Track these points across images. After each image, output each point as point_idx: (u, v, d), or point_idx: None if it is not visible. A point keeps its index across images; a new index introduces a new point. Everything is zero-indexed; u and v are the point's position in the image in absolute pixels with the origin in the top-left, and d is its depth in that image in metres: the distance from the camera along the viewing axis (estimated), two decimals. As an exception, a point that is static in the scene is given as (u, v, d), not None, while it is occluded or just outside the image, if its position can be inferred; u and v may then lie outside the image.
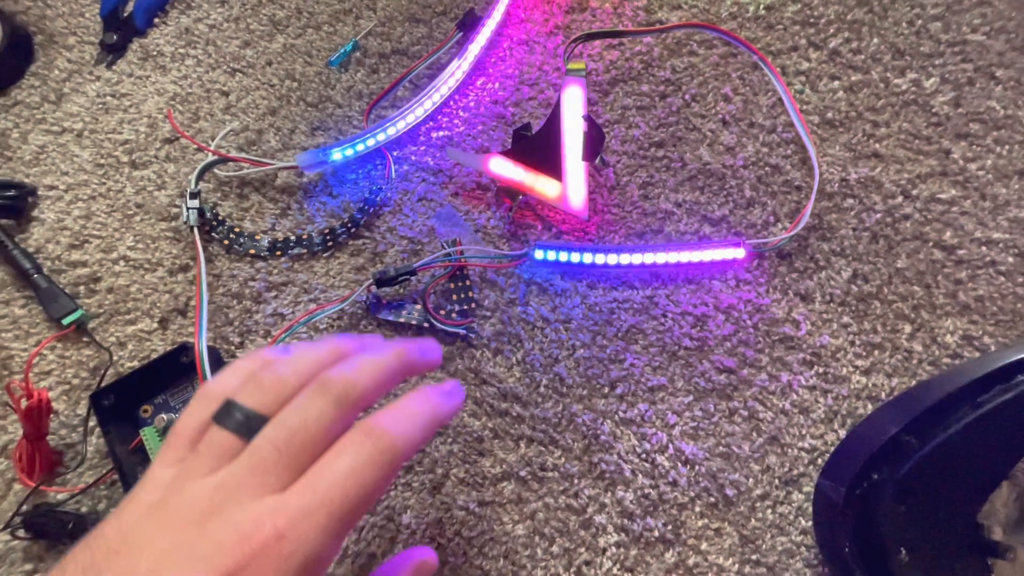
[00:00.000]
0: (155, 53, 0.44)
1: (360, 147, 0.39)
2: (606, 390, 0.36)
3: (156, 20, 0.44)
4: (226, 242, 0.38)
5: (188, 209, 0.36)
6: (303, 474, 0.18)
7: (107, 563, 0.17)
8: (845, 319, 0.37)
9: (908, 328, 0.37)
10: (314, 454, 0.19)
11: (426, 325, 0.36)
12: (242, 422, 0.19)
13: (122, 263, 0.38)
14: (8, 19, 0.42)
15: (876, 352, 0.37)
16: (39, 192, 0.40)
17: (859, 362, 0.37)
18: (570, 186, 0.37)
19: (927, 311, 0.38)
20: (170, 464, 0.19)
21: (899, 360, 0.37)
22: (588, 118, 0.34)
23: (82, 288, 0.38)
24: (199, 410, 0.20)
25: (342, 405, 0.19)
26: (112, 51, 0.43)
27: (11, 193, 0.38)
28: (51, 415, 0.33)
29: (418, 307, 0.37)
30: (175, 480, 0.18)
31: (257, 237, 0.38)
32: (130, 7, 0.44)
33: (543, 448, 0.35)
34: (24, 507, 0.32)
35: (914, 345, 0.37)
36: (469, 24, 0.42)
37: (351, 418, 0.20)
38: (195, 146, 0.41)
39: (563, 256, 0.37)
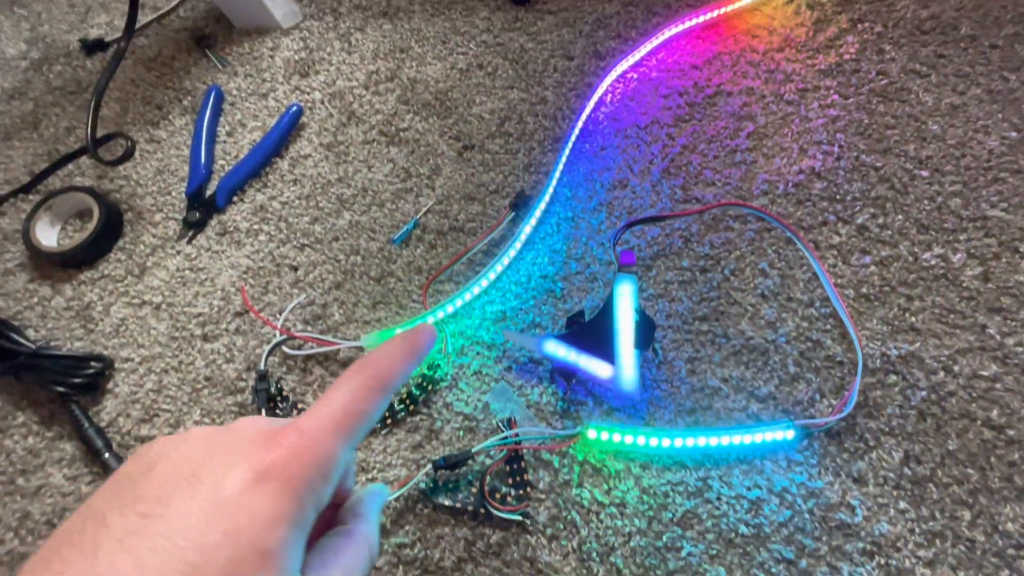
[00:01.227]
0: (232, 229, 0.48)
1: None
2: (665, 582, 0.35)
3: (235, 198, 0.49)
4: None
5: (257, 391, 0.38)
6: None
7: (148, 472, 0.18)
8: (902, 504, 0.37)
9: (968, 515, 0.37)
10: None
11: (482, 510, 0.36)
12: None
13: (189, 438, 0.40)
14: (104, 201, 0.47)
15: (938, 541, 0.36)
16: (116, 364, 0.42)
17: (921, 552, 0.36)
18: (622, 369, 0.38)
19: (984, 496, 0.37)
20: None
21: (962, 551, 0.36)
22: (641, 311, 0.37)
23: (149, 464, 0.39)
24: None
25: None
26: (193, 227, 0.47)
27: (90, 370, 0.40)
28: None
29: (474, 490, 0.37)
30: None
31: (319, 413, 0.40)
32: (213, 187, 0.49)
33: (603, 649, 0.34)
34: None
35: (976, 534, 0.36)
36: (520, 204, 0.46)
37: None
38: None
39: (616, 436, 0.38)
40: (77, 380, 0.39)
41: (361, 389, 0.21)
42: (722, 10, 0.57)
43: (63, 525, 0.18)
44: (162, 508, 0.17)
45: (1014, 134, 0.49)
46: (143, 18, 0.60)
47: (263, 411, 0.38)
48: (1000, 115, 0.50)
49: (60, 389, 0.39)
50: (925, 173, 0.48)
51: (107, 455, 0.38)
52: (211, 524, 0.17)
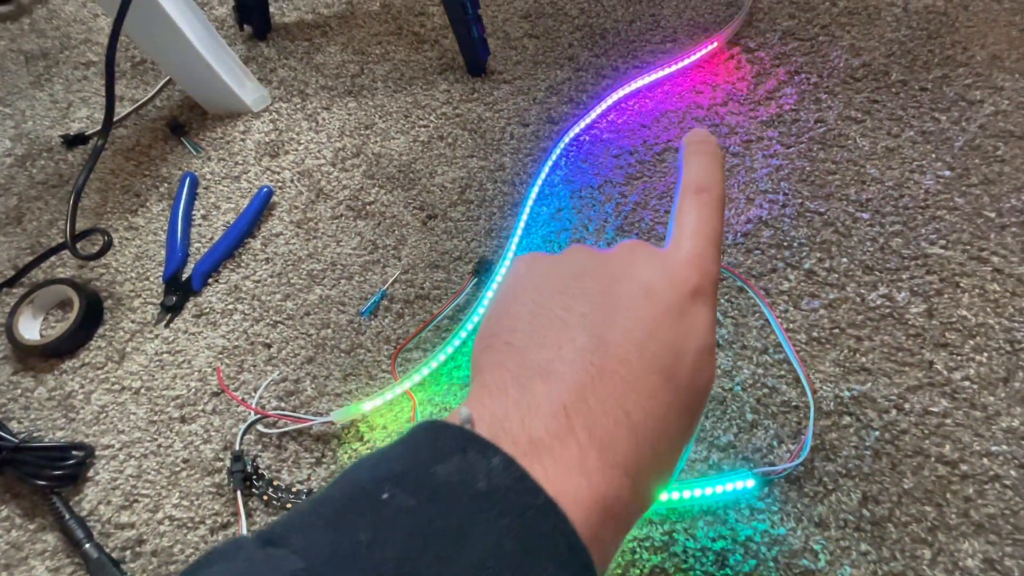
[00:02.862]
0: (207, 310, 0.50)
1: (389, 396, 0.43)
2: (635, 642, 0.36)
3: (210, 280, 0.51)
4: (265, 497, 0.40)
5: (232, 472, 0.39)
6: None
7: (577, 277, 0.21)
8: (863, 546, 0.38)
9: (928, 553, 0.38)
10: None
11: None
12: None
13: (167, 523, 0.41)
14: (84, 291, 0.49)
15: (900, 582, 0.37)
16: (96, 452, 0.44)
17: (885, 594, 0.37)
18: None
19: (943, 532, 0.38)
20: None
21: (925, 590, 0.37)
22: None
23: (128, 552, 0.40)
24: None
25: None
26: (171, 311, 0.49)
27: (72, 461, 0.41)
28: None
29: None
30: None
31: (294, 490, 0.41)
32: (189, 270, 0.51)
33: None
34: None
35: (937, 573, 0.37)
36: (483, 270, 0.48)
37: None
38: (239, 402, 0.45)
39: (581, 495, 0.39)
40: (58, 472, 0.40)
41: (709, 211, 0.23)
42: (667, 70, 0.60)
43: (502, 312, 0.21)
44: (619, 306, 0.20)
45: (948, 172, 0.52)
46: (121, 110, 0.63)
47: (239, 492, 0.40)
48: (934, 155, 0.53)
49: (41, 483, 0.40)
50: (866, 215, 0.50)
51: (87, 545, 0.39)
52: (674, 322, 0.20)
